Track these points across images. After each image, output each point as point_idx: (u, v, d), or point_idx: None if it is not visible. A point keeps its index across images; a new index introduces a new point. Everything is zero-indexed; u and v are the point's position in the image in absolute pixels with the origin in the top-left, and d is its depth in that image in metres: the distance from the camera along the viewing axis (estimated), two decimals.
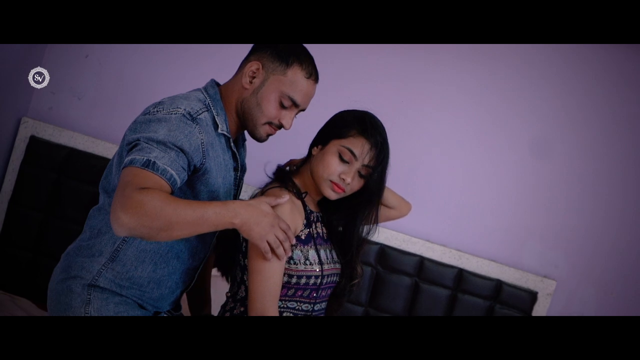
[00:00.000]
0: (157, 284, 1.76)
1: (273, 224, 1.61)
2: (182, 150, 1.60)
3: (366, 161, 1.73)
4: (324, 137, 1.79)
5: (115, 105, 2.78)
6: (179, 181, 1.58)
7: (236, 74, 1.83)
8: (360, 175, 1.75)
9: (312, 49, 1.83)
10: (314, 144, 1.83)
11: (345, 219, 1.82)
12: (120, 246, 1.72)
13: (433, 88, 2.75)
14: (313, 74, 1.78)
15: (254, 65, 1.75)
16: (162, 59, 2.77)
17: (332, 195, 1.76)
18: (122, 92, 2.78)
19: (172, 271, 1.78)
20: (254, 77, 1.76)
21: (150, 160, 1.54)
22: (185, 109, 1.66)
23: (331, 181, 1.74)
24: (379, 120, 1.79)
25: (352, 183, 1.74)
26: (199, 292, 2.09)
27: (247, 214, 1.57)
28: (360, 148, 1.72)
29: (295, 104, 1.77)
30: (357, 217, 1.81)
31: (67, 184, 2.68)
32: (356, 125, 1.74)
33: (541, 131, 2.74)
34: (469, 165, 2.77)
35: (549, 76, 2.72)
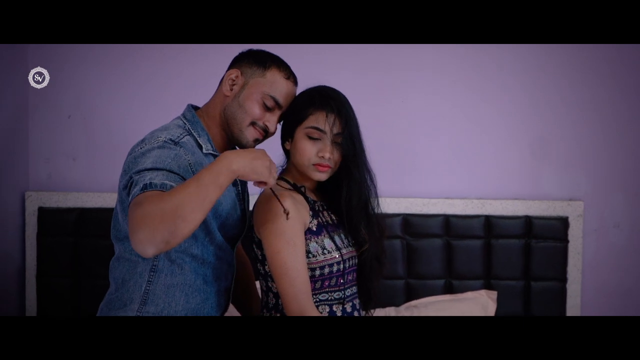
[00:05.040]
0: (195, 313, 1.77)
1: (269, 166, 1.59)
2: (172, 172, 1.61)
3: (334, 130, 1.75)
4: (289, 130, 1.80)
5: (111, 155, 2.78)
6: None
7: (216, 90, 1.85)
8: (337, 145, 1.76)
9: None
10: (283, 140, 1.84)
11: (340, 194, 1.82)
12: (147, 288, 1.74)
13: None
14: (291, 75, 1.83)
15: (233, 73, 1.80)
16: (143, 101, 2.79)
17: (321, 176, 1.77)
18: (113, 142, 2.79)
19: (206, 297, 1.79)
20: (234, 84, 1.79)
21: (147, 183, 1.54)
22: (166, 137, 1.70)
23: (313, 164, 1.75)
24: (328, 88, 1.81)
25: (332, 156, 1.76)
26: (242, 287, 2.07)
27: (241, 158, 1.55)
28: (322, 121, 1.74)
29: (278, 105, 1.79)
30: (343, 187, 1.80)
31: (86, 243, 2.71)
32: (309, 104, 1.76)
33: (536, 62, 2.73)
34: (469, 113, 2.75)
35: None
